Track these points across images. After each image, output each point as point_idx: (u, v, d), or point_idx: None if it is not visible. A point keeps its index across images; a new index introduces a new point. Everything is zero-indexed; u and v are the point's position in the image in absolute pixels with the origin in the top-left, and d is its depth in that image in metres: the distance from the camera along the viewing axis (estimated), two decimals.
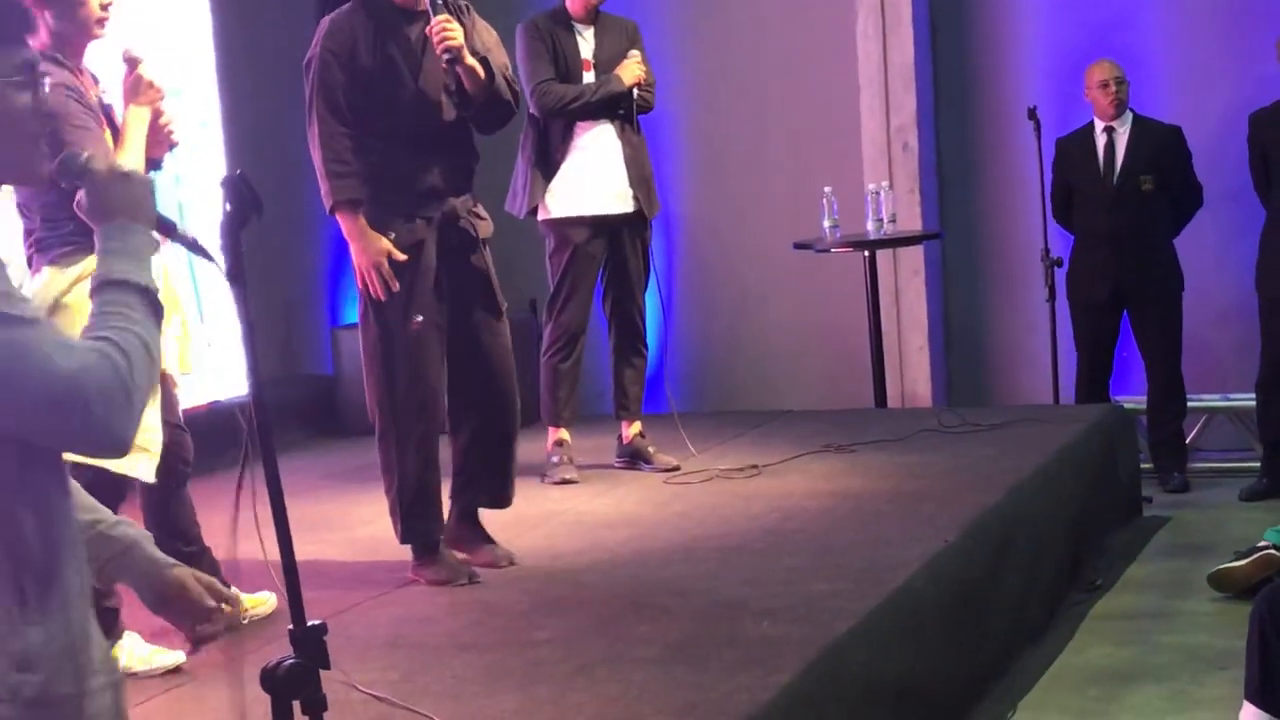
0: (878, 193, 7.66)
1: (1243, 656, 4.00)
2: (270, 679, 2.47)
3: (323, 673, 2.52)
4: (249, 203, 2.39)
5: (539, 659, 4.15)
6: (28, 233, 4.32)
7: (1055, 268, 7.58)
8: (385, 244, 4.92)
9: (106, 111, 4.36)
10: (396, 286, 4.92)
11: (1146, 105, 7.73)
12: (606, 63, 6.38)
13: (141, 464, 4.26)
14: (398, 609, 4.78)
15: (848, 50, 8.39)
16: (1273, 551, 5.75)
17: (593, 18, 6.44)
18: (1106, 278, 7.55)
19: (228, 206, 2.38)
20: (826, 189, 7.63)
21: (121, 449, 2.16)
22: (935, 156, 8.50)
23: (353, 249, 4.97)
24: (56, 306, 4.16)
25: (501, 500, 5.30)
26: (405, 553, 5.15)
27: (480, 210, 5.18)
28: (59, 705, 2.10)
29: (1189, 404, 7.74)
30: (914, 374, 8.39)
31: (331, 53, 4.94)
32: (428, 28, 4.95)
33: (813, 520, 5.50)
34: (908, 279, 8.40)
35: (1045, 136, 7.62)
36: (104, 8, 4.27)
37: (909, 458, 6.44)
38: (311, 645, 2.49)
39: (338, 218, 4.98)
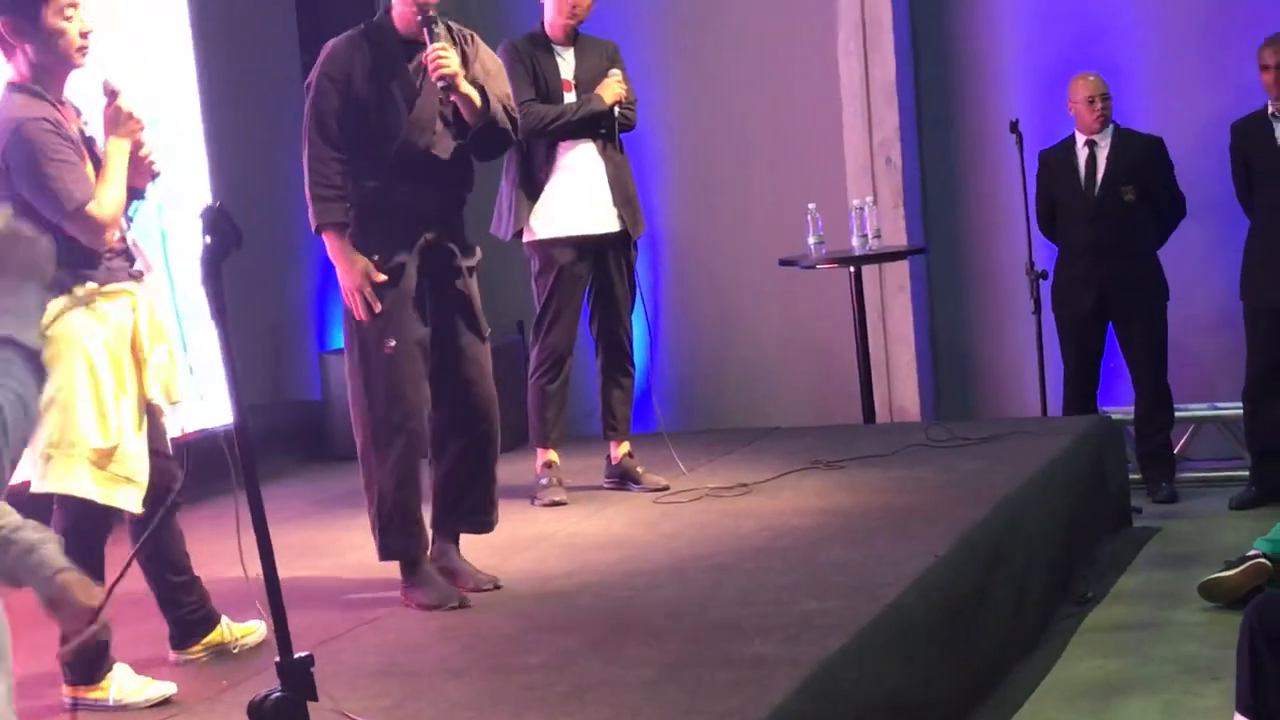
0: (862, 208, 7.67)
1: (1234, 666, 4.00)
2: (257, 713, 2.46)
3: (313, 702, 2.52)
4: (228, 235, 2.39)
5: (531, 683, 4.14)
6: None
7: (1040, 280, 7.59)
8: (367, 265, 4.94)
9: (88, 143, 4.35)
10: (379, 308, 4.94)
11: (1128, 116, 7.75)
12: (587, 83, 6.39)
13: (128, 495, 4.25)
14: (389, 635, 4.77)
15: (830, 67, 8.40)
16: (1262, 560, 5.76)
17: (572, 39, 6.44)
18: (1090, 289, 7.57)
19: (207, 239, 2.38)
20: (811, 205, 7.64)
21: None
22: (919, 171, 8.51)
23: (338, 270, 5.02)
24: (40, 339, 4.15)
25: (485, 525, 5.31)
26: (395, 577, 5.14)
27: (467, 239, 5.20)
28: None
29: (1176, 414, 7.75)
30: (901, 389, 8.39)
31: (329, 78, 4.99)
32: (424, 55, 4.97)
33: (803, 538, 5.50)
34: (893, 294, 8.41)
35: (1028, 149, 7.63)
36: (83, 36, 4.25)
37: (898, 473, 6.44)
38: (299, 678, 2.49)
39: (324, 238, 5.02)
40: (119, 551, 4.43)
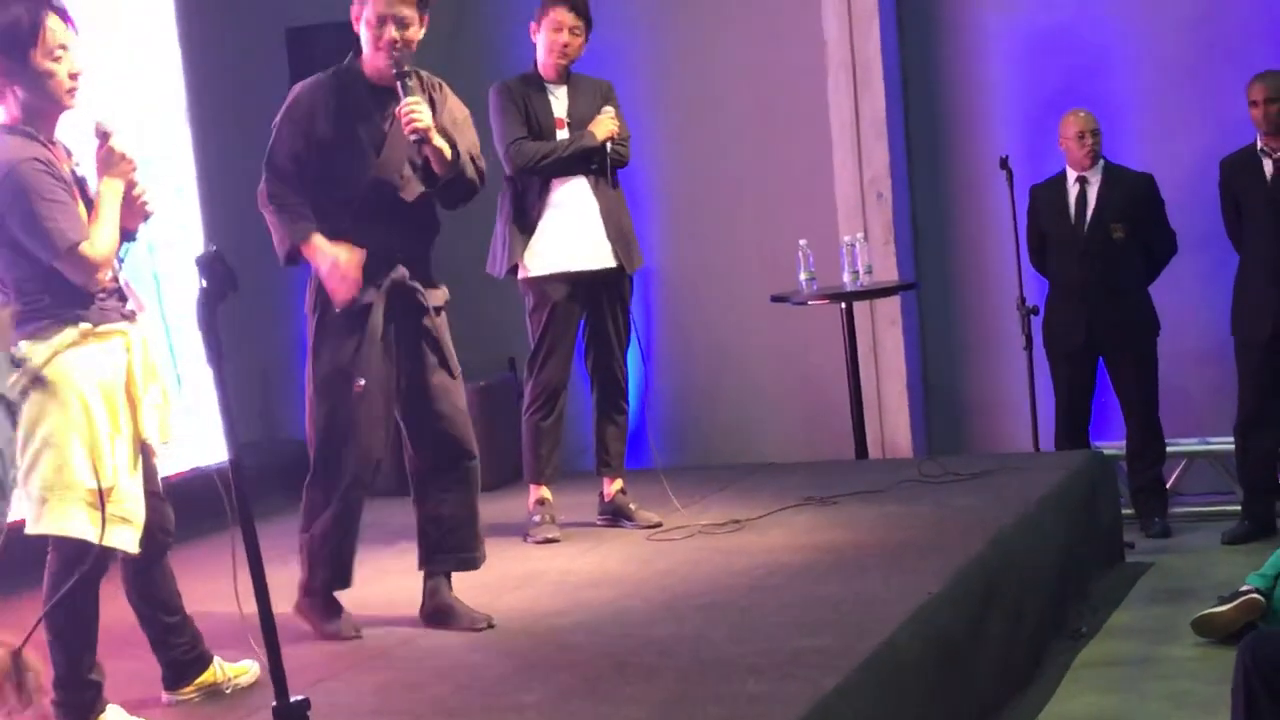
0: (853, 244, 7.69)
1: (1228, 702, 4.00)
2: None
3: None
4: (224, 279, 2.41)
5: None
6: (2, 305, 4.31)
7: (1031, 316, 7.60)
8: (342, 248, 4.98)
9: (80, 183, 4.36)
10: (359, 289, 4.97)
11: (1118, 153, 7.78)
12: (580, 121, 6.41)
13: (125, 535, 4.24)
14: (383, 675, 4.76)
15: (820, 103, 8.43)
16: (1256, 596, 5.76)
17: (564, 78, 6.46)
18: (1080, 325, 7.59)
19: (203, 283, 2.40)
20: (802, 242, 7.66)
21: None
22: (910, 207, 8.53)
23: (320, 267, 5.02)
24: (35, 380, 4.15)
25: (473, 563, 5.32)
26: (393, 614, 5.16)
27: (434, 280, 5.25)
28: None
29: (1168, 449, 7.75)
30: (893, 424, 8.40)
31: (291, 120, 5.06)
32: (397, 108, 5.00)
33: (796, 575, 5.50)
34: (885, 329, 8.42)
35: (1018, 185, 7.65)
36: (73, 78, 4.25)
37: (890, 509, 6.44)
38: None
39: (304, 253, 5.03)
40: (112, 589, 4.43)
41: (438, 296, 5.23)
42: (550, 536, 6.37)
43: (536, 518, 6.45)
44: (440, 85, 5.25)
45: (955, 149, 8.51)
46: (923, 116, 8.54)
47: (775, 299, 7.84)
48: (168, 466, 4.63)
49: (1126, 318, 7.59)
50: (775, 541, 6.05)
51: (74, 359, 4.20)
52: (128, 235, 4.40)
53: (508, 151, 6.34)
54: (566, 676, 4.53)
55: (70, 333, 4.23)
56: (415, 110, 4.97)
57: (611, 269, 6.43)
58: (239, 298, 2.70)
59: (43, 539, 4.22)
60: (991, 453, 7.99)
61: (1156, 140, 8.08)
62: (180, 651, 4.58)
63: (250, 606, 3.31)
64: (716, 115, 8.67)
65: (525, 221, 6.38)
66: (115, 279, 4.37)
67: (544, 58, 6.42)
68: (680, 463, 8.37)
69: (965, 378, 8.61)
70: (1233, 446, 7.54)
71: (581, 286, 6.41)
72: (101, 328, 4.28)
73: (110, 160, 4.31)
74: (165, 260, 4.58)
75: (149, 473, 4.42)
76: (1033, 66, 8.34)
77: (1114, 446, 7.80)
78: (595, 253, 6.39)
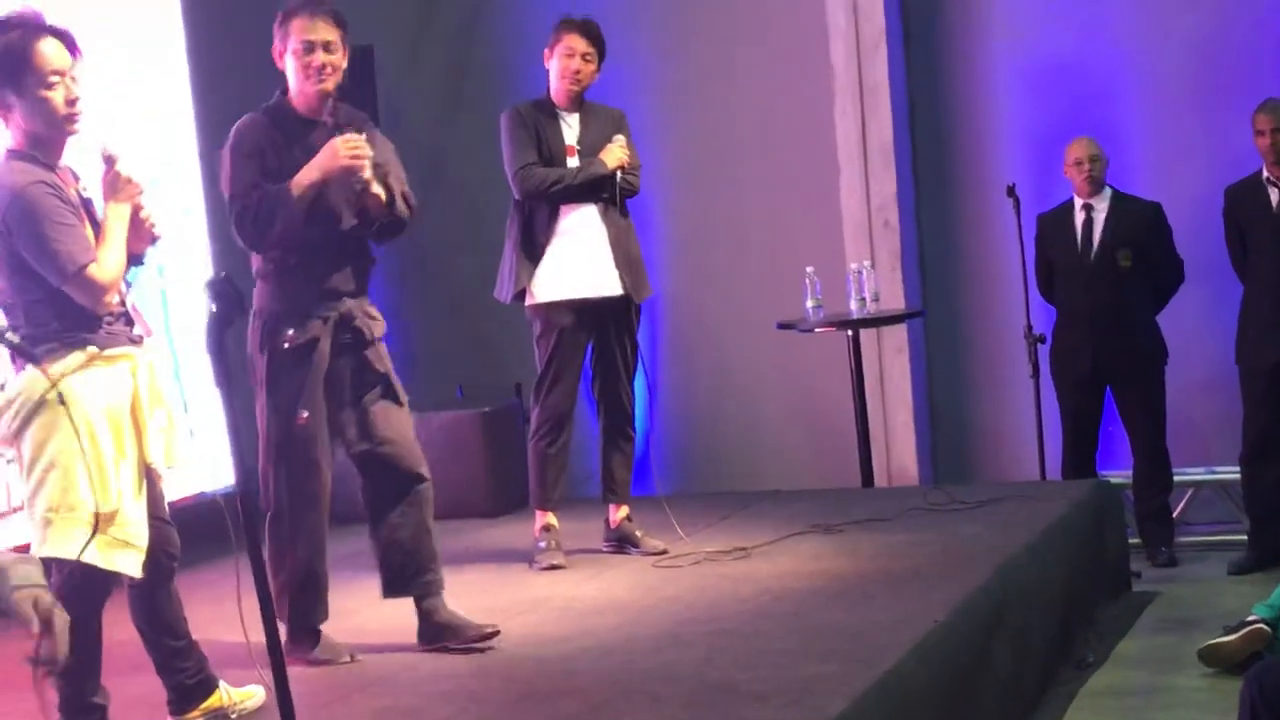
0: (860, 272, 7.70)
1: None
2: None
3: None
4: (233, 303, 2.41)
5: None
6: (11, 329, 4.32)
7: (1038, 344, 7.61)
8: (330, 146, 5.01)
9: (87, 207, 4.37)
10: (371, 150, 5.02)
11: (1126, 182, 7.79)
12: (591, 148, 6.41)
13: (129, 559, 4.24)
14: (385, 699, 4.75)
15: (827, 131, 8.45)
16: (1262, 626, 5.74)
17: (577, 105, 6.47)
18: (1087, 353, 7.59)
19: (212, 307, 2.40)
20: (809, 269, 7.67)
21: None
22: (916, 235, 8.54)
23: (323, 166, 5.02)
24: (41, 405, 4.15)
25: (434, 586, 5.33)
26: (397, 640, 5.17)
27: (373, 311, 5.30)
28: None
29: (1175, 478, 7.75)
30: (900, 452, 8.39)
31: (243, 155, 5.10)
32: (339, 144, 5.03)
33: (802, 602, 5.49)
34: (892, 357, 8.43)
35: (1026, 213, 7.66)
36: (70, 104, 4.24)
37: (896, 537, 6.44)
38: None
39: (298, 189, 5.01)
40: (114, 615, 4.43)
41: (378, 328, 5.29)
42: (556, 563, 6.36)
43: (542, 544, 6.45)
44: (365, 120, 5.33)
45: (962, 177, 8.53)
46: (930, 144, 8.55)
47: (781, 326, 7.84)
48: (173, 491, 4.63)
49: (1133, 346, 7.59)
50: (781, 569, 6.04)
51: (80, 382, 4.21)
52: (135, 259, 4.41)
53: (517, 176, 6.34)
54: (571, 703, 4.52)
55: (77, 356, 4.23)
56: (358, 152, 5.02)
57: (619, 297, 6.42)
58: (247, 321, 2.71)
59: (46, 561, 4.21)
60: (998, 481, 7.99)
61: (1164, 169, 8.09)
62: (186, 676, 4.58)
63: (256, 631, 3.31)
64: (724, 142, 8.69)
65: (533, 247, 6.39)
66: (123, 302, 4.37)
67: (556, 84, 6.43)
68: (686, 489, 8.37)
69: (972, 406, 8.60)
70: (1240, 476, 7.53)
71: (588, 313, 6.41)
72: (108, 351, 4.28)
73: (116, 184, 4.32)
74: (173, 282, 4.61)
75: (154, 497, 4.42)
76: (1040, 95, 8.35)
77: (1121, 475, 7.80)
78: (603, 280, 6.39)
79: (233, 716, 4.63)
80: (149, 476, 4.38)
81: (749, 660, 4.80)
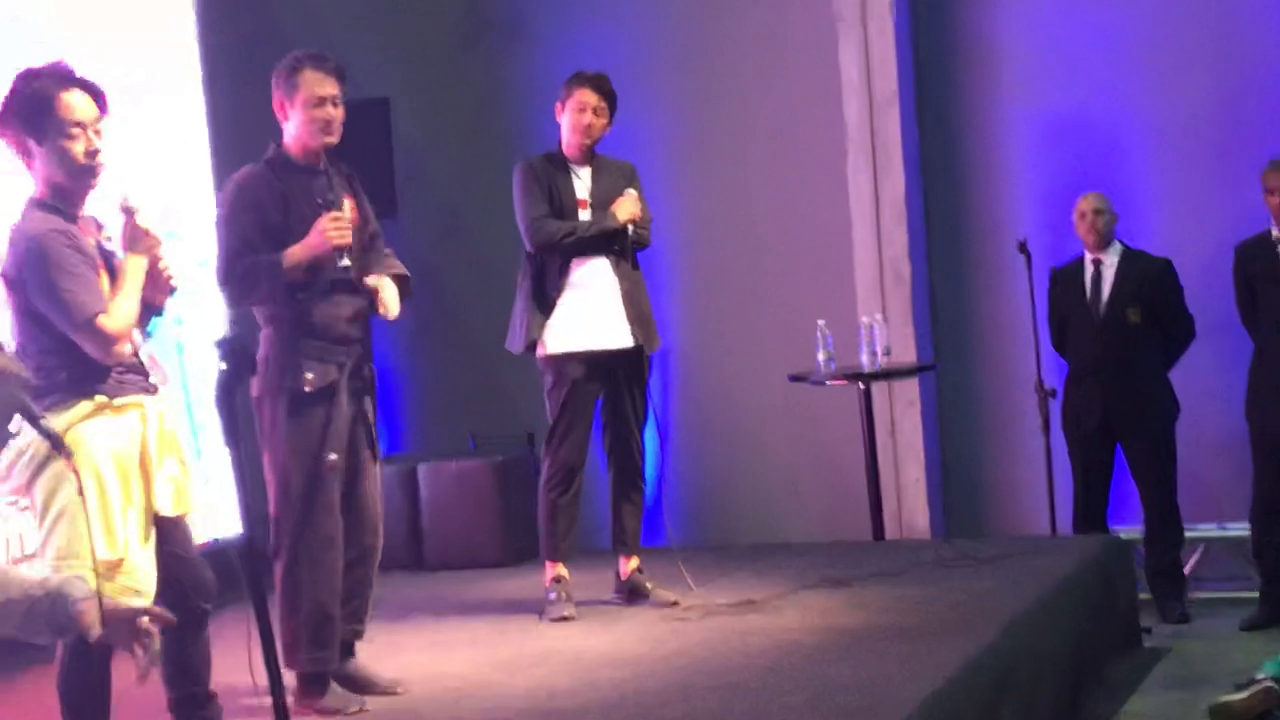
0: (871, 325, 7.72)
1: None
2: None
3: None
4: (243, 362, 2.44)
5: None
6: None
7: (1049, 398, 7.61)
8: (317, 227, 5.13)
9: (107, 257, 4.41)
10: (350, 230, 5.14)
11: (1137, 238, 7.81)
12: (603, 202, 6.44)
13: (132, 605, 4.26)
14: None
15: (840, 185, 8.48)
16: (1272, 685, 5.73)
17: (588, 158, 6.51)
18: (1096, 408, 7.59)
19: (223, 366, 2.43)
20: (820, 322, 7.69)
21: None
22: (928, 288, 8.56)
23: (312, 246, 5.13)
24: (50, 455, 4.18)
25: (359, 634, 5.42)
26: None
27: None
28: None
29: (1186, 533, 7.74)
30: (911, 505, 8.39)
31: (242, 210, 5.19)
32: (325, 224, 5.14)
33: (811, 657, 5.49)
34: (903, 410, 8.43)
35: (1038, 268, 7.68)
36: (90, 155, 4.29)
37: (907, 591, 6.43)
38: None
39: (292, 262, 5.12)
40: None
41: (373, 377, 5.41)
42: (566, 615, 6.36)
43: (552, 595, 6.45)
44: (354, 175, 5.45)
45: (974, 232, 8.55)
46: (942, 199, 8.58)
47: (793, 379, 7.86)
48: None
49: (1144, 401, 7.59)
50: (791, 622, 6.04)
51: (88, 431, 4.23)
52: (155, 310, 4.46)
53: (529, 229, 6.38)
54: None
55: (85, 405, 4.26)
56: (343, 230, 5.15)
57: (630, 348, 6.45)
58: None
59: None
60: (1009, 535, 7.98)
61: (1175, 225, 8.11)
62: None
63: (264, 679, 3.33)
64: (736, 196, 8.72)
65: (544, 299, 6.42)
66: (135, 352, 4.40)
67: (568, 137, 6.48)
68: (697, 542, 8.37)
69: (983, 459, 8.60)
70: (1250, 532, 7.52)
71: (600, 365, 6.44)
72: (118, 400, 4.31)
73: (134, 236, 4.36)
74: (189, 332, 4.65)
75: (183, 539, 4.46)
76: (1051, 152, 8.38)
77: (1132, 530, 7.79)
78: (614, 332, 6.42)
79: None
80: (176, 523, 4.40)
81: (757, 715, 4.80)
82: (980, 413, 8.58)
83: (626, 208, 6.41)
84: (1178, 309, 7.66)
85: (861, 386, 7.76)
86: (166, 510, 4.40)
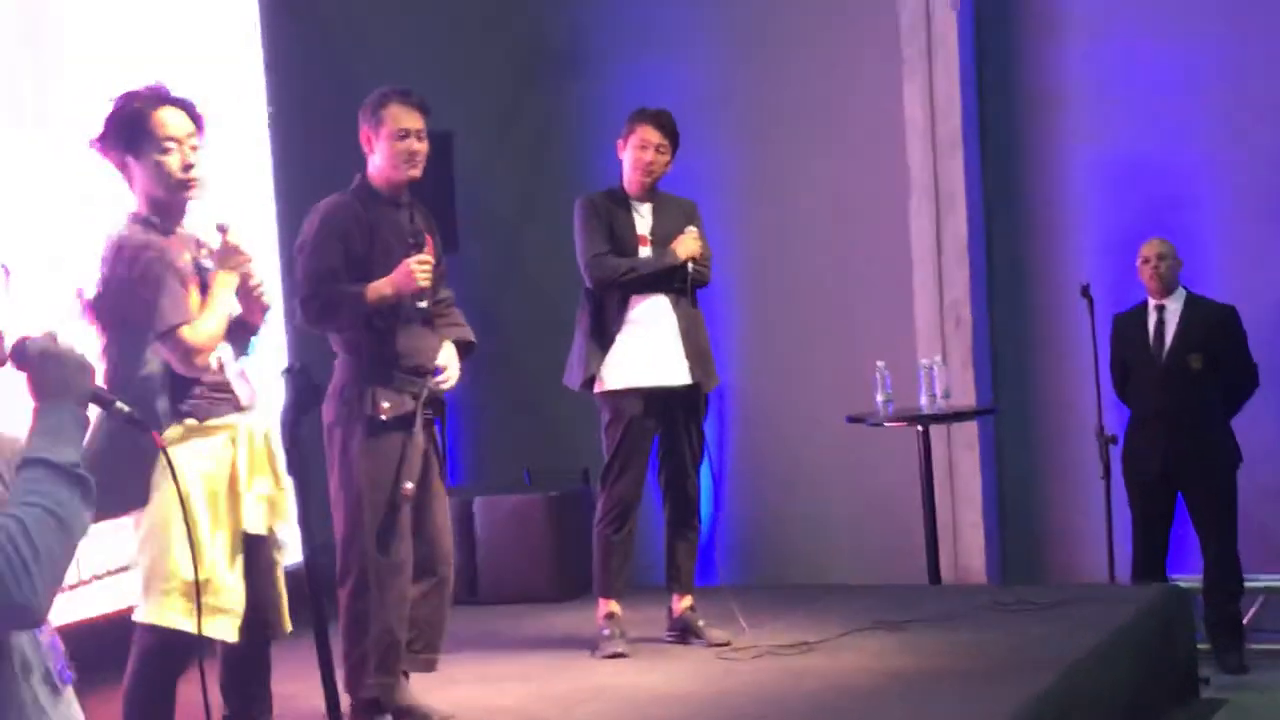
0: (931, 367, 7.69)
1: None
2: None
3: None
4: (308, 394, 2.45)
5: None
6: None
7: (1110, 445, 7.56)
8: (404, 266, 5.21)
9: (203, 273, 4.46)
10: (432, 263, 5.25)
11: (1201, 285, 7.76)
12: (663, 238, 6.44)
13: (222, 625, 4.33)
14: None
15: (901, 227, 8.47)
16: None
17: (649, 195, 6.51)
18: (1158, 456, 7.54)
19: (289, 397, 2.44)
20: (879, 363, 7.67)
21: (17, 615, 2.23)
22: (989, 331, 8.52)
23: (398, 284, 5.22)
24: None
25: (432, 665, 5.44)
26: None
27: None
28: None
29: (1246, 583, 7.66)
30: (968, 550, 8.34)
31: (327, 238, 5.26)
32: (412, 265, 5.22)
33: (863, 700, 5.45)
34: (961, 454, 8.39)
35: (1101, 313, 7.64)
36: (186, 169, 4.40)
37: (962, 636, 6.38)
38: None
39: (375, 296, 5.21)
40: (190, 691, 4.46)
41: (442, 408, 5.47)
42: (618, 651, 6.35)
43: (605, 632, 6.44)
44: (428, 212, 5.55)
45: (1037, 275, 8.52)
46: (1005, 242, 8.55)
47: (851, 420, 7.83)
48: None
49: (1205, 449, 7.53)
50: (844, 665, 6.00)
51: (178, 454, 4.27)
52: (251, 329, 4.52)
53: (589, 265, 6.39)
54: None
55: (175, 430, 4.32)
56: (427, 271, 5.25)
57: (687, 386, 6.44)
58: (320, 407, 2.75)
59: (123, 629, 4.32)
60: (1067, 582, 7.92)
61: (1240, 273, 8.05)
62: None
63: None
64: (797, 235, 8.72)
65: (603, 335, 6.42)
66: (222, 368, 4.45)
67: (629, 174, 6.49)
68: (750, 581, 8.34)
69: (1042, 505, 8.55)
70: None
71: (657, 402, 6.43)
72: (209, 422, 4.37)
73: (225, 253, 4.43)
74: (251, 363, 4.68)
75: (266, 564, 4.50)
76: (1116, 196, 8.34)
77: (1191, 579, 7.71)
78: (672, 369, 6.41)
79: None
80: (265, 545, 4.46)
81: None
82: (1039, 458, 8.53)
83: (687, 245, 6.40)
84: (1241, 356, 7.59)
85: (920, 429, 7.72)
86: (254, 529, 4.44)
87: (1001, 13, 8.57)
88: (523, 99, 9.13)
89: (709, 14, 8.88)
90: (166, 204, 4.42)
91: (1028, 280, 8.55)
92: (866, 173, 8.60)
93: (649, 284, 6.40)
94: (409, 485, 5.18)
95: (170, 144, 4.37)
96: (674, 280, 6.42)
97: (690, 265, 6.40)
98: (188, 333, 4.30)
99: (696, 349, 6.46)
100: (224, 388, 4.44)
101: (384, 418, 5.19)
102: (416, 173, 5.35)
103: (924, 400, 7.65)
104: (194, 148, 4.41)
